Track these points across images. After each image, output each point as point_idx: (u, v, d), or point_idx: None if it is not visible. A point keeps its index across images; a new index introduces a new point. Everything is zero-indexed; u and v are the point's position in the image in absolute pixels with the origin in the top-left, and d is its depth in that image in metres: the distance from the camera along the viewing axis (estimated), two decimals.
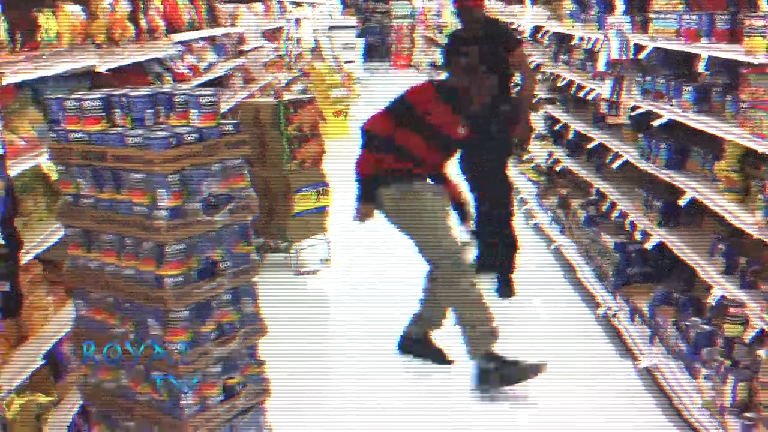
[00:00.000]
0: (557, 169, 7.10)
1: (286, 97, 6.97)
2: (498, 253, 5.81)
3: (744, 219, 3.71)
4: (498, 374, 4.23)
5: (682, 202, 4.36)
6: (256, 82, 8.49)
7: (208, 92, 2.72)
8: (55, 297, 3.49)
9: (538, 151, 7.69)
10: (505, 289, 5.73)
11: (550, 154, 7.38)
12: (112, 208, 2.64)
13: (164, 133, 2.53)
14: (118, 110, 2.76)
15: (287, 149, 6.23)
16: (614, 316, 5.13)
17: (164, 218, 2.52)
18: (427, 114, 4.33)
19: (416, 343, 4.70)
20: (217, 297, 2.67)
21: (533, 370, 4.24)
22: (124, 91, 2.80)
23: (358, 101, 15.19)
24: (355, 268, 6.34)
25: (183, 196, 2.55)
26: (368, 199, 4.39)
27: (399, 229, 4.43)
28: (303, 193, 6.34)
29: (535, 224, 7.16)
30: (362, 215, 4.43)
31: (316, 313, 5.78)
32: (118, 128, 2.71)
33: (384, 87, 18.48)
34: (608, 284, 5.39)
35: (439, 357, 4.67)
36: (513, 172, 6.65)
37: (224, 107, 6.46)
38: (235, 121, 2.78)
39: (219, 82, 6.73)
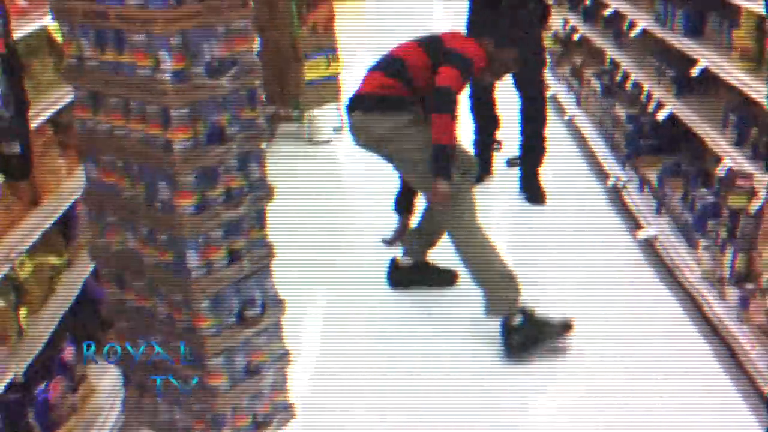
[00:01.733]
0: (575, 37, 6.94)
1: None
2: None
3: (757, 89, 3.64)
4: (527, 333, 3.67)
5: (694, 72, 4.28)
6: None
7: None
8: (67, 160, 3.53)
9: (555, 18, 7.50)
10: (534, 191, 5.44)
11: (566, 21, 7.21)
12: (116, 69, 2.62)
13: None
14: None
15: (295, 13, 6.11)
16: (624, 187, 5.14)
17: (169, 81, 2.50)
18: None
19: (413, 270, 4.30)
20: (224, 162, 2.68)
21: (564, 327, 3.74)
22: None
23: None
24: None
25: (186, 59, 2.52)
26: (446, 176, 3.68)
27: (395, 161, 3.92)
28: (313, 60, 6.26)
29: (551, 95, 7.08)
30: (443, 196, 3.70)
31: (329, 182, 5.84)
32: None
33: None
34: (620, 155, 5.38)
35: (446, 277, 4.27)
36: None
37: None
38: None
39: None
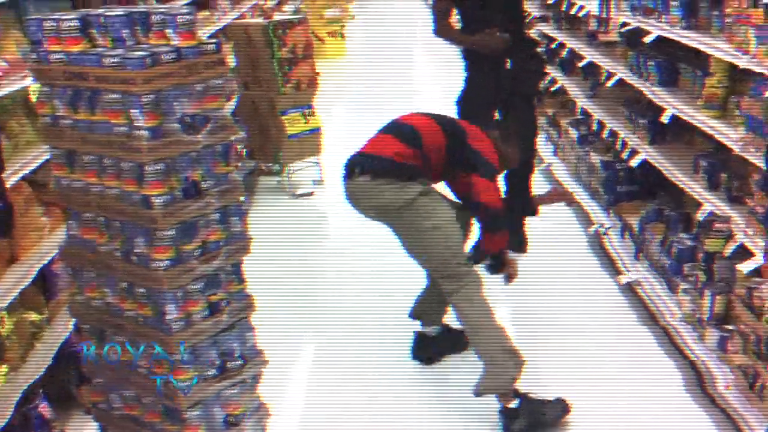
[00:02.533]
0: (553, 89, 7.07)
1: (276, 17, 6.91)
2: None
3: (727, 134, 3.73)
4: (527, 416, 3.47)
5: (664, 119, 4.37)
6: (246, 2, 8.37)
7: (185, 10, 2.71)
8: (51, 218, 3.56)
9: None
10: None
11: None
12: (91, 128, 2.67)
13: (140, 53, 2.54)
14: (96, 30, 2.77)
15: (278, 71, 6.21)
16: (605, 234, 5.19)
17: (145, 138, 2.54)
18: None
19: (442, 338, 4.05)
20: (204, 216, 2.71)
21: (562, 409, 3.55)
22: (101, 11, 2.79)
23: (354, 21, 15.03)
24: None
25: (159, 117, 2.57)
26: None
27: (399, 231, 3.71)
28: (289, 115, 6.34)
29: None
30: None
31: (313, 235, 5.87)
32: (98, 48, 2.72)
33: (380, 7, 18.30)
34: (601, 201, 5.44)
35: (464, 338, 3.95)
36: None
37: (213, 28, 6.41)
38: (215, 41, 2.78)
39: (205, 3, 6.64)
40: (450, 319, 4.01)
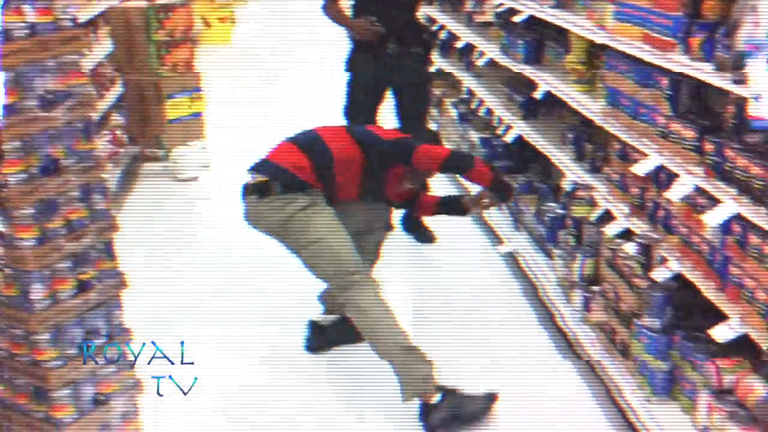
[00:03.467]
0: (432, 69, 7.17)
1: (159, 0, 6.79)
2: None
3: (591, 108, 3.90)
4: (447, 409, 3.38)
5: (537, 95, 4.53)
6: None
7: None
8: None
9: None
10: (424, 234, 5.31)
11: None
12: None
13: None
14: None
15: (154, 54, 6.13)
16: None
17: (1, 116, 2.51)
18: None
19: (336, 328, 3.96)
20: (64, 194, 2.69)
21: (489, 400, 3.48)
22: None
23: (246, 7, 14.89)
24: (236, 173, 6.34)
25: (17, 93, 2.54)
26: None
27: (290, 247, 3.64)
28: (175, 99, 6.28)
29: None
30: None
31: (197, 217, 5.84)
32: None
33: None
34: None
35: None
36: None
37: (93, 11, 6.27)
38: (71, 16, 2.75)
39: None
40: None
